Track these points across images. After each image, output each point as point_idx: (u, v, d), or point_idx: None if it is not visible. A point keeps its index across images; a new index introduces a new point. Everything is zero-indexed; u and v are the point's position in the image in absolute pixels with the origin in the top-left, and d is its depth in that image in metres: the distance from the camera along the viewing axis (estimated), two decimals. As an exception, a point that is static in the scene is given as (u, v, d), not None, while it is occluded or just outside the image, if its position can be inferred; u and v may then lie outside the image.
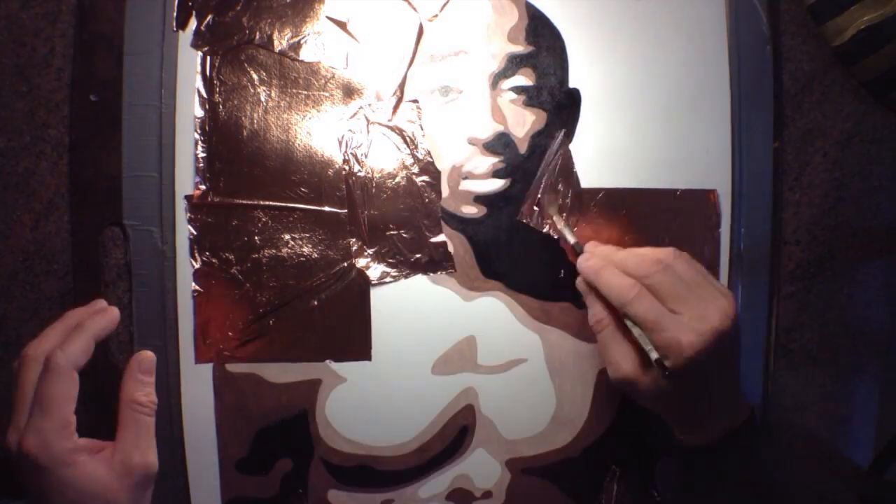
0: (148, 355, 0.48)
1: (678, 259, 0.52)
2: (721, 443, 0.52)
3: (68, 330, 0.47)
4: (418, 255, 0.63)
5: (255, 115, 0.62)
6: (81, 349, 0.46)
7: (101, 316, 0.48)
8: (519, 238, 0.63)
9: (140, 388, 0.48)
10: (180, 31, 0.61)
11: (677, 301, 0.50)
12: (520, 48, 0.63)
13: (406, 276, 0.63)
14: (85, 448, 0.44)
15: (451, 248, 0.63)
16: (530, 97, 0.63)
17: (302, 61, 0.62)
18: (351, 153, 0.62)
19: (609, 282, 0.52)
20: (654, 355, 0.50)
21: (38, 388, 0.43)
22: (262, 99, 0.62)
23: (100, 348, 0.61)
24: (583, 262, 0.56)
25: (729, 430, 0.52)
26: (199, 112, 0.61)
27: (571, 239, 0.60)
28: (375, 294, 0.62)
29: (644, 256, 0.53)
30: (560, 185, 0.61)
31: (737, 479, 0.52)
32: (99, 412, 0.61)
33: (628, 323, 0.52)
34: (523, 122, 0.63)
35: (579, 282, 0.57)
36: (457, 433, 0.64)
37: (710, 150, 0.65)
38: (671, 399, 0.52)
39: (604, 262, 0.54)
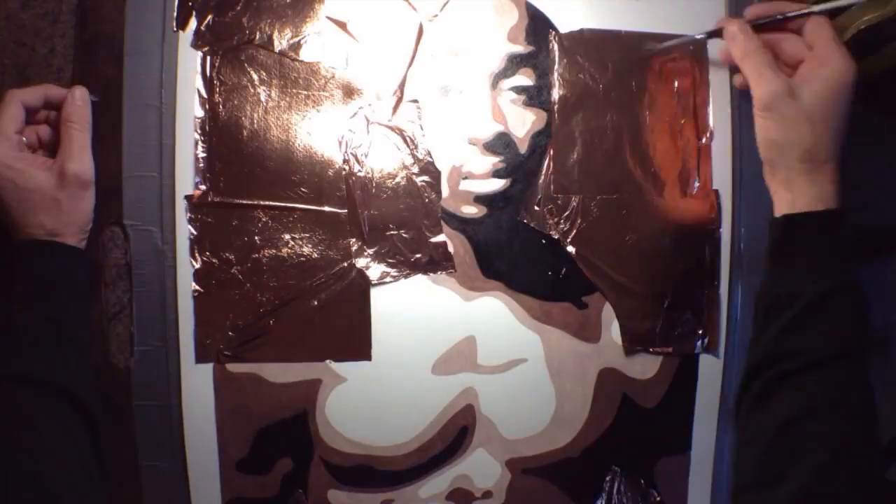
0: (83, 89, 0.58)
1: None
2: (835, 215, 0.53)
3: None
4: (418, 255, 0.63)
5: (255, 115, 0.62)
6: (32, 92, 0.56)
7: (57, 87, 0.58)
8: (519, 238, 0.63)
9: (73, 108, 0.56)
10: (180, 31, 0.61)
11: None
12: (520, 48, 0.63)
13: (406, 276, 0.63)
14: (29, 159, 0.55)
15: (451, 248, 0.63)
16: (530, 97, 0.63)
17: (302, 61, 0.62)
18: (351, 153, 0.62)
19: None
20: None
21: None
22: (262, 99, 0.62)
23: (100, 349, 0.61)
24: None
25: (837, 204, 0.53)
26: (199, 112, 0.61)
27: None
28: (375, 294, 0.62)
29: None
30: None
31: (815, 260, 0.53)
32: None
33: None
34: (523, 122, 0.63)
35: (731, 29, 0.57)
36: (457, 433, 0.64)
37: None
38: (816, 115, 0.52)
39: None
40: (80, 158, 0.56)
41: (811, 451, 0.49)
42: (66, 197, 0.55)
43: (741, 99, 0.64)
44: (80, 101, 0.57)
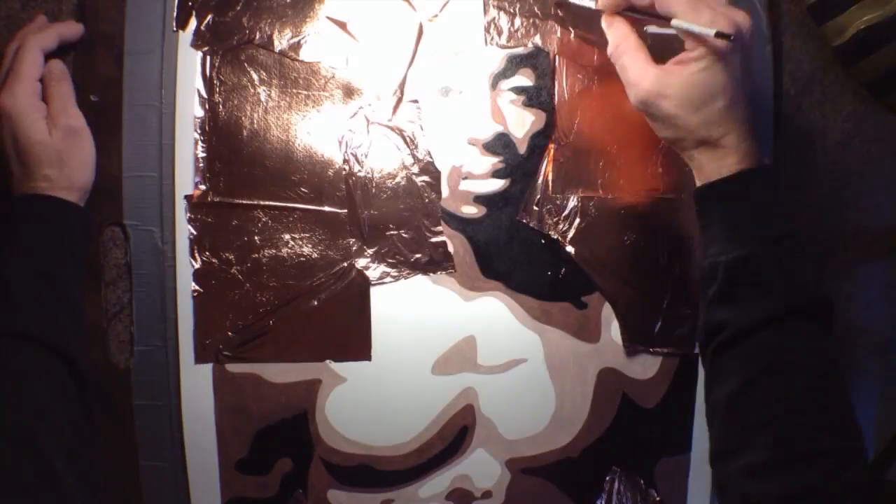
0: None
1: None
2: (735, 179, 0.51)
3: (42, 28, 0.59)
4: (418, 255, 0.63)
5: (255, 115, 0.62)
6: (50, 34, 0.58)
7: (70, 23, 0.60)
8: (519, 238, 0.64)
9: (51, 65, 0.58)
10: (180, 31, 0.61)
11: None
12: (519, 48, 0.63)
13: (406, 276, 0.63)
14: (43, 108, 0.56)
15: (451, 248, 0.63)
16: (530, 97, 0.63)
17: (302, 61, 0.62)
18: (351, 153, 0.62)
19: None
20: (710, 31, 0.49)
21: (13, 63, 0.56)
22: (262, 99, 0.62)
23: (100, 349, 0.61)
24: None
25: (743, 167, 0.51)
26: (199, 112, 0.61)
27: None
28: (375, 294, 0.62)
29: None
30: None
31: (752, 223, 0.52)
32: (100, 412, 0.61)
33: (674, 24, 0.51)
34: (523, 123, 0.63)
35: (604, 18, 0.56)
36: (457, 433, 0.64)
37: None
38: (691, 107, 0.51)
39: None
40: (66, 110, 0.56)
41: (760, 422, 0.49)
42: (66, 148, 0.56)
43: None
44: (52, 60, 0.58)
